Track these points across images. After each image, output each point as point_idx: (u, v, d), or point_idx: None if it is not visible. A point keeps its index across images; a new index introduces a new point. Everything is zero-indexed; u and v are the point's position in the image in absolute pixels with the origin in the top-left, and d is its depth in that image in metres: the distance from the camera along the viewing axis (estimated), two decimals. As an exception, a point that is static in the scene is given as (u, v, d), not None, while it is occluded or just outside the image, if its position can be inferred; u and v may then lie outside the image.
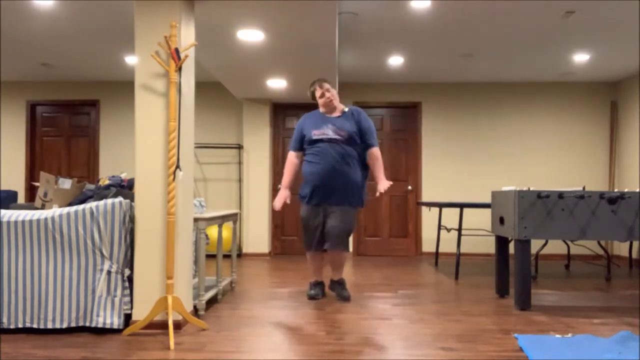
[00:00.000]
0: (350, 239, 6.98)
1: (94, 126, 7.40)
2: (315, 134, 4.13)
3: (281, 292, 4.46)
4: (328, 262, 4.26)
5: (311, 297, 4.19)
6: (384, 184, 4.03)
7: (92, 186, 3.57)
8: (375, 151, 4.18)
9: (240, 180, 7.33)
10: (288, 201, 4.18)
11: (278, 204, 4.14)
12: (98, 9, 4.46)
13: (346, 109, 4.21)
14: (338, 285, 4.25)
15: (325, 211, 4.11)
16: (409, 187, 7.28)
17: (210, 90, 7.36)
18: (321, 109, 4.25)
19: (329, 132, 4.09)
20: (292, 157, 4.30)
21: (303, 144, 4.25)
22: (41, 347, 2.80)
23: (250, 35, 4.35)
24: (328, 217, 4.10)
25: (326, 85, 4.19)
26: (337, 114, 4.21)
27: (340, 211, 4.06)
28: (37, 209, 3.44)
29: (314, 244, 4.17)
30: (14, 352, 2.70)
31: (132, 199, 3.37)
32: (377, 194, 4.03)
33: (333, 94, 4.19)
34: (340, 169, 4.04)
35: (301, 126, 4.27)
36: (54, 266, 3.06)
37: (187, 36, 3.38)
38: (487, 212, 7.22)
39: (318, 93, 4.21)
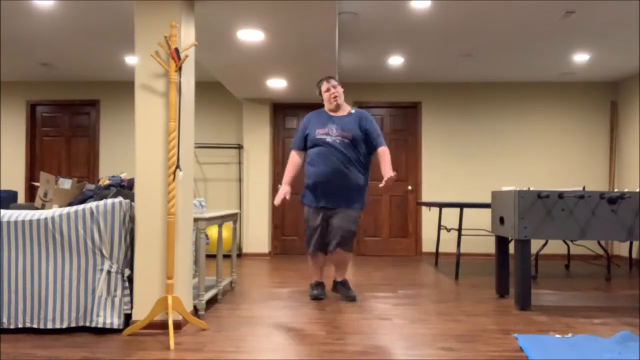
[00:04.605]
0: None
1: (94, 126, 7.40)
2: (320, 133, 4.12)
3: (281, 292, 4.46)
4: (332, 262, 4.25)
5: (315, 297, 4.18)
6: (389, 173, 3.98)
7: (92, 186, 3.57)
8: (384, 149, 4.15)
9: (240, 180, 7.33)
10: (288, 197, 4.15)
11: (278, 199, 4.12)
12: (98, 9, 4.46)
13: (353, 111, 4.21)
14: (342, 286, 4.25)
15: (328, 213, 4.12)
16: (409, 187, 7.27)
17: (210, 90, 7.36)
18: (326, 105, 4.24)
19: (332, 132, 4.08)
20: (294, 156, 4.29)
21: (306, 143, 4.24)
22: (41, 347, 2.80)
23: (250, 35, 4.35)
24: (331, 218, 4.11)
25: (333, 82, 4.20)
26: (342, 113, 4.20)
27: (343, 213, 4.08)
28: (37, 209, 3.44)
29: (316, 245, 4.18)
30: (14, 352, 2.70)
31: (132, 199, 3.37)
32: (383, 182, 3.97)
33: (339, 91, 4.18)
34: (343, 171, 4.03)
35: (305, 125, 4.26)
36: (54, 266, 3.06)
37: (187, 36, 3.38)
38: (487, 212, 7.22)
39: (324, 87, 4.21)
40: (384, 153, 4.15)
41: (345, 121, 4.13)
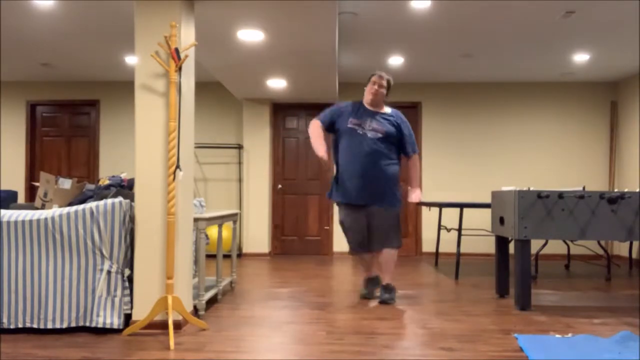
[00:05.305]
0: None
1: (94, 126, 7.40)
2: (352, 122, 4.04)
3: (281, 292, 4.46)
4: (378, 263, 4.14)
5: (363, 297, 4.18)
6: (416, 194, 4.18)
7: (92, 186, 3.57)
8: (416, 158, 4.22)
9: (240, 180, 7.33)
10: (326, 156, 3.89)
11: (323, 153, 3.86)
12: (98, 9, 4.46)
13: (389, 110, 4.17)
14: (383, 288, 4.10)
15: (365, 211, 4.04)
16: (410, 187, 7.27)
17: (210, 90, 7.36)
18: (365, 97, 4.16)
19: (365, 125, 4.02)
20: (318, 127, 4.08)
21: (333, 126, 4.14)
22: (41, 347, 2.80)
23: (250, 35, 4.34)
24: (371, 217, 4.04)
25: (384, 81, 4.11)
26: (380, 110, 4.15)
27: (382, 212, 4.02)
28: (37, 209, 3.44)
29: (356, 244, 4.10)
30: (14, 352, 2.70)
31: (132, 199, 3.37)
32: (411, 197, 4.16)
33: (382, 92, 4.10)
34: (377, 167, 3.98)
35: (341, 109, 4.14)
36: (54, 266, 3.06)
37: (187, 36, 3.38)
38: (487, 212, 7.22)
39: (372, 79, 4.13)
40: (415, 163, 4.20)
41: (381, 118, 4.09)
